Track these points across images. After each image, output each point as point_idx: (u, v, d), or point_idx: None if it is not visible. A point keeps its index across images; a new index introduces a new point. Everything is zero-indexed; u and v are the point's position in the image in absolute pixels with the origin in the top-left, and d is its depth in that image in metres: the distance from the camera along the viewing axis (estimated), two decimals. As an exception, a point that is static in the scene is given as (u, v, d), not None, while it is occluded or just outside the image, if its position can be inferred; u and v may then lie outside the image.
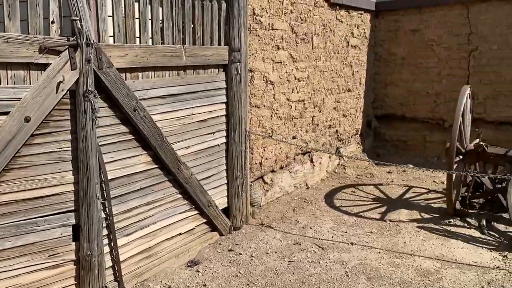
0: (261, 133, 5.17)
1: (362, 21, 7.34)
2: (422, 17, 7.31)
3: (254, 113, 5.09)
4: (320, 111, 6.44)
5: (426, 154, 7.57)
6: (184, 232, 4.25)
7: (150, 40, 3.71)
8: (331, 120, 6.78)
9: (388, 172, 6.97)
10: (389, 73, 7.83)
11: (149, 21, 3.68)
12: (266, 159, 5.37)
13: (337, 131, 7.00)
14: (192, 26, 4.12)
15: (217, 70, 4.43)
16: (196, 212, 4.33)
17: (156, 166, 3.84)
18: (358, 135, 7.71)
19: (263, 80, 5.17)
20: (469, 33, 6.91)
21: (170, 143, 3.88)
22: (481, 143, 4.98)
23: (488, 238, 4.50)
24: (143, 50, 3.56)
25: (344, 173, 6.87)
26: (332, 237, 4.62)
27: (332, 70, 6.63)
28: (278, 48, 5.36)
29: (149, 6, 3.64)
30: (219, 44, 4.41)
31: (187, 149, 4.14)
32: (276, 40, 5.30)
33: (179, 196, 4.13)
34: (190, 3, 4.01)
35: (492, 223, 4.84)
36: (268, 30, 5.16)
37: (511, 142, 6.66)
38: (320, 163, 6.50)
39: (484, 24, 6.74)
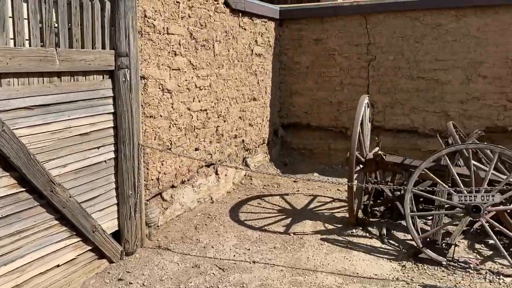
0: (157, 146, 4.75)
1: (266, 29, 7.23)
2: (324, 26, 7.38)
3: (149, 124, 4.66)
4: (224, 121, 6.16)
5: (331, 162, 7.64)
6: (64, 263, 3.69)
7: (12, 41, 3.14)
8: (236, 129, 6.54)
9: (294, 181, 6.89)
10: (294, 82, 7.81)
11: (10, 19, 3.11)
12: (165, 174, 4.95)
13: (243, 140, 6.78)
14: (69, 27, 3.61)
15: (101, 76, 3.94)
16: (78, 239, 3.78)
17: (23, 189, 3.26)
18: (265, 144, 7.57)
19: (159, 88, 4.76)
20: (368, 43, 7.10)
21: (41, 162, 3.32)
22: (380, 152, 5.03)
23: (388, 247, 4.51)
24: (1, 53, 2.99)
25: (251, 184, 6.66)
26: (234, 256, 4.33)
27: (236, 78, 6.40)
28: (176, 54, 4.99)
29: (9, 1, 3.08)
30: (104, 48, 3.93)
31: (65, 167, 3.60)
32: (173, 45, 4.93)
33: (56, 222, 3.57)
34: (65, 0, 3.50)
35: (392, 231, 4.89)
36: (163, 34, 4.77)
37: (409, 149, 6.97)
38: (226, 175, 6.21)
39: (381, 35, 6.97)
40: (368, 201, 5.28)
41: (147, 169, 4.64)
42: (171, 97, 4.94)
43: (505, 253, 3.89)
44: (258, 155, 7.31)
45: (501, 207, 4.07)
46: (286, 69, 7.83)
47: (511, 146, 6.16)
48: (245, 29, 6.53)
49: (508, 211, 4.33)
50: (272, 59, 7.50)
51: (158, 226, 4.79)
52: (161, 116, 4.80)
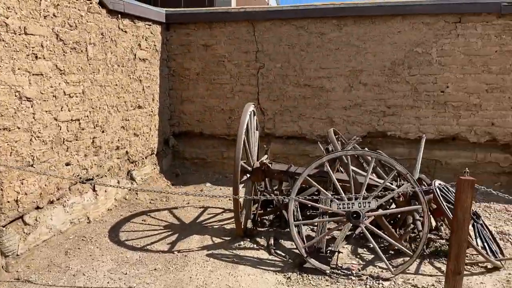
0: (14, 163, 4.11)
1: (151, 33, 6.82)
2: (212, 32, 7.18)
3: (3, 137, 4.01)
4: (103, 131, 5.63)
5: (224, 171, 7.46)
6: None
7: None
8: (118, 140, 6.03)
9: (185, 193, 6.52)
10: (184, 88, 7.50)
11: None
12: (26, 194, 4.32)
13: (127, 152, 6.28)
14: None
15: None
16: None
17: None
18: (154, 155, 7.13)
19: (15, 95, 4.14)
20: (256, 51, 7.04)
21: None
22: (265, 161, 4.93)
23: (275, 258, 4.38)
24: None
25: (137, 199, 6.18)
26: (108, 282, 3.87)
27: (116, 84, 5.91)
28: (37, 58, 4.40)
29: None
30: None
31: None
32: (34, 47, 4.34)
33: None
34: None
35: (280, 240, 4.80)
36: (20, 35, 4.16)
37: (298, 155, 7.04)
38: (106, 191, 5.67)
39: (268, 42, 6.95)
40: (256, 211, 5.14)
41: (2, 190, 3.99)
42: (32, 106, 4.33)
43: (383, 257, 3.96)
44: (146, 167, 6.85)
45: (378, 212, 4.16)
46: (176, 75, 7.50)
47: (391, 150, 6.51)
48: (126, 32, 6.07)
49: (388, 214, 4.47)
50: (159, 64, 7.12)
51: (18, 255, 4.15)
52: (18, 128, 4.17)
